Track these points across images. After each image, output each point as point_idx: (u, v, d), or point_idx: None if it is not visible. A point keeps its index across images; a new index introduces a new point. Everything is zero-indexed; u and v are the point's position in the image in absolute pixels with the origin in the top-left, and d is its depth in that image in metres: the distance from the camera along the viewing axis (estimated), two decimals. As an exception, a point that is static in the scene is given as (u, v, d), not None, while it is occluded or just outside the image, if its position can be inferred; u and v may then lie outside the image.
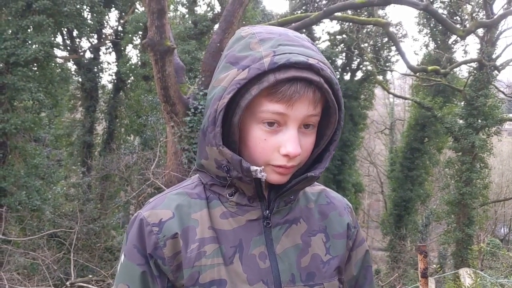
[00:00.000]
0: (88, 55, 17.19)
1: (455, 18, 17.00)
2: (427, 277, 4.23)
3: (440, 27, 17.68)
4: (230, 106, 0.95)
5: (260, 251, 1.02)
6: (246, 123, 0.98)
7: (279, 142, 0.96)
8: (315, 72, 0.93)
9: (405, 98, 23.63)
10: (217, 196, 1.07)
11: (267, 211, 1.05)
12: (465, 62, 16.75)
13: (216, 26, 12.46)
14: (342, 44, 21.25)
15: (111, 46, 17.46)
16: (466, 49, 25.07)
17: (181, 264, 1.01)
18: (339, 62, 21.07)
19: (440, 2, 18.01)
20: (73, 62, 16.86)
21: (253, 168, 0.96)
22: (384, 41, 20.60)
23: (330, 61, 19.25)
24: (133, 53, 29.38)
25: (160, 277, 1.02)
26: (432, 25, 18.53)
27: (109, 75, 32.20)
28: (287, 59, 0.91)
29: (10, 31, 10.95)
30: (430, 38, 19.35)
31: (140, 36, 15.52)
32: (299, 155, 0.97)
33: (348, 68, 21.58)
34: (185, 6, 16.69)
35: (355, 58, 20.93)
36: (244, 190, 1.03)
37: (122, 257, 1.05)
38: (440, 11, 16.59)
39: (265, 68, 0.91)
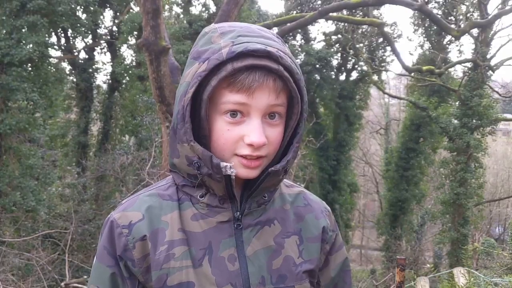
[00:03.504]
0: (82, 55, 17.19)
1: (449, 18, 17.05)
2: (402, 291, 4.24)
3: (435, 27, 17.73)
4: (196, 100, 0.95)
5: (230, 254, 1.01)
6: (210, 116, 0.97)
7: (242, 132, 0.96)
8: (274, 60, 0.93)
9: (400, 98, 23.69)
10: (189, 198, 1.05)
11: (238, 212, 1.04)
12: (460, 62, 16.80)
13: (211, 26, 12.45)
14: (337, 44, 21.28)
15: (106, 46, 17.43)
16: (461, 49, 25.12)
17: (150, 266, 1.00)
18: (335, 62, 21.10)
19: (435, 2, 18.07)
20: (67, 62, 16.83)
21: (223, 164, 0.95)
22: (379, 41, 20.64)
23: (325, 61, 19.30)
24: (128, 53, 29.10)
25: (130, 279, 1.02)
26: (427, 25, 18.58)
27: (104, 75, 32.15)
28: (245, 47, 0.91)
29: (5, 31, 10.91)
30: (425, 38, 19.40)
31: (135, 36, 15.49)
32: (265, 145, 0.96)
33: (343, 68, 21.61)
34: (180, 6, 16.69)
35: (350, 58, 20.94)
36: (214, 189, 1.01)
37: (95, 259, 1.05)
38: (435, 11, 16.62)
39: (224, 58, 0.91)
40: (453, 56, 22.73)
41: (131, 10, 16.33)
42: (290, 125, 1.02)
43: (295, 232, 1.10)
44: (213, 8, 15.66)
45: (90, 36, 16.63)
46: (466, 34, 14.73)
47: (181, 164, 1.02)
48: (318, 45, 21.09)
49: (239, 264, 1.01)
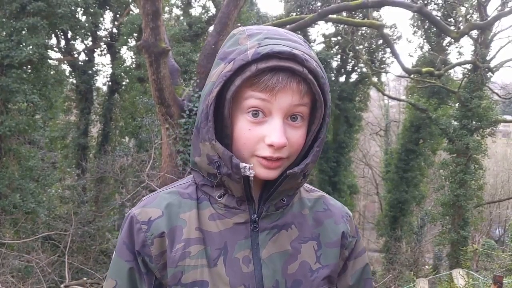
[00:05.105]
0: (82, 57, 17.17)
1: (449, 20, 17.07)
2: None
3: (435, 29, 17.75)
4: (221, 100, 0.96)
5: (244, 255, 1.02)
6: (233, 116, 0.97)
7: (263, 133, 0.96)
8: (299, 63, 0.93)
9: (400, 100, 23.70)
10: (208, 197, 1.06)
11: (255, 215, 1.04)
12: (459, 64, 16.83)
13: (211, 28, 12.47)
14: (337, 46, 21.28)
15: (106, 48, 17.42)
16: (460, 50, 25.04)
17: (167, 263, 1.01)
18: (334, 64, 21.09)
19: (434, 4, 18.08)
20: (67, 64, 16.81)
21: (242, 164, 0.96)
22: (379, 43, 20.64)
23: (325, 63, 19.28)
24: (128, 55, 29.11)
25: (147, 274, 1.04)
26: (426, 27, 18.60)
27: (104, 77, 32.10)
28: (270, 49, 0.92)
29: (4, 33, 10.90)
30: (425, 40, 19.42)
31: (135, 38, 15.50)
32: (286, 147, 0.96)
33: (343, 70, 21.60)
34: (180, 8, 16.69)
35: (350, 60, 20.95)
36: (233, 190, 1.02)
37: (114, 253, 1.08)
38: (434, 13, 16.65)
39: (249, 59, 0.92)
40: (452, 57, 22.70)
41: (131, 12, 16.34)
42: (312, 129, 1.02)
43: (313, 238, 1.10)
44: (213, 10, 15.66)
45: (90, 38, 16.64)
46: (466, 35, 14.75)
47: (202, 162, 1.03)
48: (317, 47, 21.10)
49: (253, 266, 1.01)
